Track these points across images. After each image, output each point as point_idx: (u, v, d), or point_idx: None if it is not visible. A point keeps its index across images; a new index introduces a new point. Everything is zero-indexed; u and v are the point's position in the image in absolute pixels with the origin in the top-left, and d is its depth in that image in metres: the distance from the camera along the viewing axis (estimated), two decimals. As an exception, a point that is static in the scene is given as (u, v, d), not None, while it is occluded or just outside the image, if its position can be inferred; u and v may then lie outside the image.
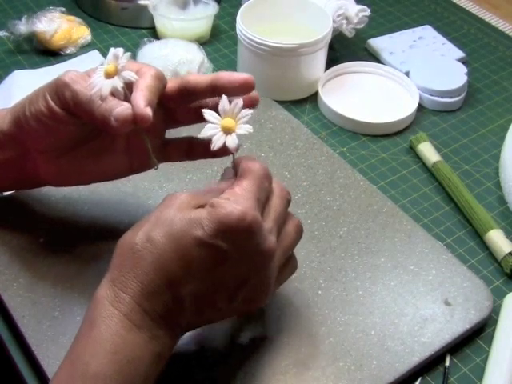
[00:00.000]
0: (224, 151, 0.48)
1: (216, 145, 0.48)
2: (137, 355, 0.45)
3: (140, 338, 0.45)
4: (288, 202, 0.52)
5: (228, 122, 0.48)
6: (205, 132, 0.48)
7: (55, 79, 0.53)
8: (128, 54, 0.50)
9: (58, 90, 0.52)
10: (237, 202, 0.45)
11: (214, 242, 0.45)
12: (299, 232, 0.53)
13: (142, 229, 0.46)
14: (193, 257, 0.45)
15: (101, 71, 0.50)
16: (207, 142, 0.48)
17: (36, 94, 0.54)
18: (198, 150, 0.58)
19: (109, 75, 0.49)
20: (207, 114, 0.48)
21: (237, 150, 0.48)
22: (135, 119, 0.49)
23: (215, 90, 0.53)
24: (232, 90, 0.52)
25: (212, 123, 0.48)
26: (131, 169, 0.59)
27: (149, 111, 0.49)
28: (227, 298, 0.48)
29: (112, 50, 0.50)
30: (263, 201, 0.49)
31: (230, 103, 0.48)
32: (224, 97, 0.48)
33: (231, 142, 0.48)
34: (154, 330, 0.46)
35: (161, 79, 0.53)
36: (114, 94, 0.50)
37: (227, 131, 0.48)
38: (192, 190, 0.49)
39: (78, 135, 0.56)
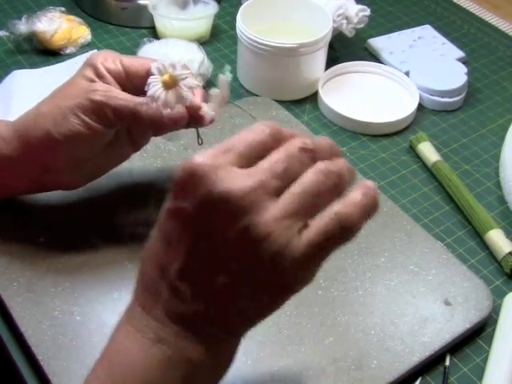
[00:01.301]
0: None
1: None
2: (134, 360, 0.42)
3: (142, 343, 0.42)
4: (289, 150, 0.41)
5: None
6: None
7: (86, 99, 0.54)
8: (183, 63, 0.53)
9: (96, 109, 0.53)
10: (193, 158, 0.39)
11: (175, 205, 0.40)
12: (327, 173, 0.41)
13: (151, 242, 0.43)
14: (168, 231, 0.41)
15: (155, 82, 0.53)
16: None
17: (62, 117, 0.54)
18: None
19: (168, 86, 0.53)
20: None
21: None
22: (191, 118, 0.54)
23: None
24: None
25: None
26: (133, 151, 0.62)
27: (209, 113, 0.55)
28: (222, 272, 0.40)
29: (165, 62, 0.53)
30: (248, 155, 0.40)
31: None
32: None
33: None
34: (158, 332, 0.42)
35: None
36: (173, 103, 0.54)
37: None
38: None
39: (104, 142, 0.57)
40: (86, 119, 0.54)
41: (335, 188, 0.41)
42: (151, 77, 0.53)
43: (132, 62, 0.56)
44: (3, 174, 0.58)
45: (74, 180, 0.60)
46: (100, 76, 0.55)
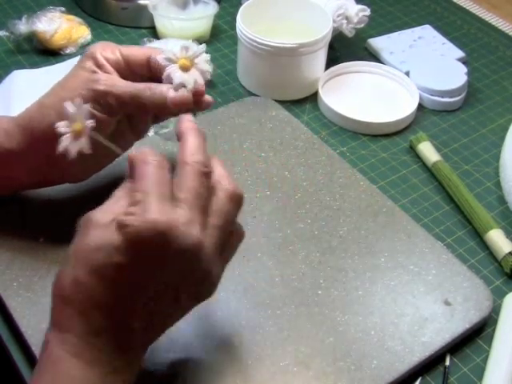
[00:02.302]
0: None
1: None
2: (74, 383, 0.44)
3: (94, 375, 0.44)
4: (207, 174, 0.47)
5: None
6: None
7: (90, 89, 0.54)
8: (202, 46, 0.55)
9: (99, 98, 0.54)
10: (140, 212, 0.42)
11: (135, 262, 0.43)
12: (233, 200, 0.47)
13: (67, 271, 0.45)
14: (121, 280, 0.44)
15: (174, 69, 0.54)
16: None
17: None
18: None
19: (185, 68, 0.54)
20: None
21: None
22: (194, 95, 0.54)
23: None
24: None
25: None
26: (136, 139, 0.62)
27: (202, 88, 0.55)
28: (171, 302, 0.46)
29: (181, 44, 0.54)
30: (166, 192, 0.45)
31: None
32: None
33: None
34: (110, 363, 0.44)
35: None
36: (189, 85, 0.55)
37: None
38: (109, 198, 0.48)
39: (107, 134, 0.57)
40: (91, 110, 0.54)
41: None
42: (168, 67, 0.54)
43: (131, 51, 0.57)
44: (7, 167, 0.58)
45: (78, 172, 0.60)
46: (100, 66, 0.55)
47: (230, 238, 0.48)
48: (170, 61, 0.54)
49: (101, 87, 0.54)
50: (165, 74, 0.54)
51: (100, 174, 0.67)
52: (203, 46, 0.55)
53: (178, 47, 0.54)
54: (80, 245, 0.45)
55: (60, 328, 0.44)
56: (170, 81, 0.54)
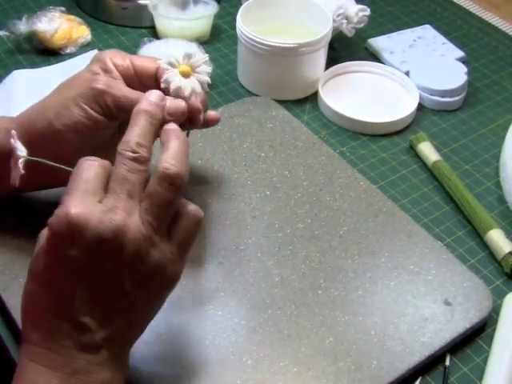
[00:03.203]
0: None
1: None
2: None
3: (57, 378, 0.44)
4: (166, 179, 0.46)
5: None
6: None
7: (88, 87, 0.54)
8: (203, 56, 0.55)
9: (97, 98, 0.53)
10: (58, 212, 0.44)
11: (59, 259, 0.44)
12: (167, 180, 0.46)
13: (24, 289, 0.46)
14: (54, 280, 0.44)
15: (173, 75, 0.54)
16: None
17: (63, 106, 0.54)
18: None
19: (185, 75, 0.54)
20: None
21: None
22: (190, 111, 0.53)
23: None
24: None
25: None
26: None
27: (198, 103, 0.55)
28: (117, 292, 0.45)
29: (184, 50, 0.54)
30: (94, 188, 0.45)
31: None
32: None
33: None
34: (72, 365, 0.45)
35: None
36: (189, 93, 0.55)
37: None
38: None
39: (106, 135, 0.57)
40: (87, 109, 0.54)
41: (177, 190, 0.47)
42: (167, 72, 0.54)
43: (141, 61, 0.57)
44: (6, 166, 0.58)
45: None
46: (107, 70, 0.55)
47: (176, 221, 0.47)
48: (172, 65, 0.54)
49: (99, 86, 0.54)
50: (164, 77, 0.54)
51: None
52: (206, 57, 0.56)
53: (181, 53, 0.54)
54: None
55: (24, 340, 0.46)
56: (168, 85, 0.54)
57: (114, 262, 0.44)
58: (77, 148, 0.56)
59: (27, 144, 0.56)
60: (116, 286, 0.45)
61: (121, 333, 0.47)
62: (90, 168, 0.46)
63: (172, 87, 0.53)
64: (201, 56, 0.55)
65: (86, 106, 0.54)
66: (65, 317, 0.45)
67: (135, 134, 0.47)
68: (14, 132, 0.50)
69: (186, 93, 0.53)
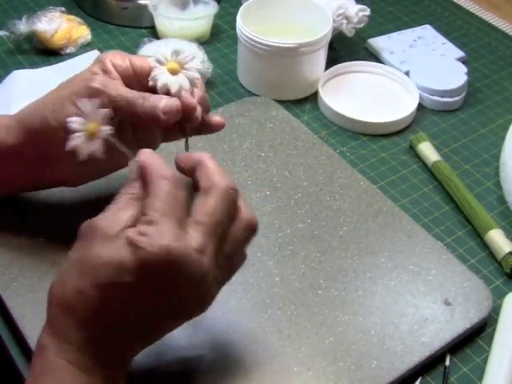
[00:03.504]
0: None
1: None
2: None
3: (91, 382, 0.45)
4: (233, 202, 0.47)
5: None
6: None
7: (83, 86, 0.54)
8: (192, 52, 0.53)
9: (93, 96, 0.52)
10: (154, 237, 0.42)
11: (143, 284, 0.43)
12: (251, 232, 0.48)
13: (70, 282, 0.44)
14: (125, 298, 0.44)
15: (161, 72, 0.53)
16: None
17: (60, 103, 0.54)
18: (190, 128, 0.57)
19: (173, 72, 0.53)
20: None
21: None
22: (184, 109, 0.52)
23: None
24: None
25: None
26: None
27: (194, 100, 0.53)
28: (167, 319, 0.47)
29: (172, 47, 0.53)
30: (182, 215, 0.45)
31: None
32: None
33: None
34: (108, 371, 0.45)
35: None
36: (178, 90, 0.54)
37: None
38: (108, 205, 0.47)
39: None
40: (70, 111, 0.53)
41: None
42: (154, 69, 0.53)
43: (141, 61, 0.56)
44: (8, 164, 0.58)
45: (74, 176, 0.60)
46: (106, 71, 0.55)
47: (232, 262, 0.49)
48: (160, 63, 0.54)
49: (95, 84, 0.53)
50: (151, 74, 0.54)
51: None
52: (191, 54, 0.54)
53: (169, 50, 0.54)
54: (86, 255, 0.44)
55: (60, 337, 0.45)
56: (155, 82, 0.53)
57: (184, 297, 0.45)
58: (59, 159, 0.56)
59: (21, 138, 0.56)
60: (169, 315, 0.46)
61: (144, 347, 0.48)
62: (177, 189, 0.45)
63: (159, 85, 0.53)
64: (189, 52, 0.54)
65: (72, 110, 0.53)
66: (116, 330, 0.45)
67: (227, 174, 0.47)
68: (97, 99, 0.49)
69: (173, 90, 0.53)
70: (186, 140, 0.56)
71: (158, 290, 0.44)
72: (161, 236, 0.42)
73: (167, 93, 0.53)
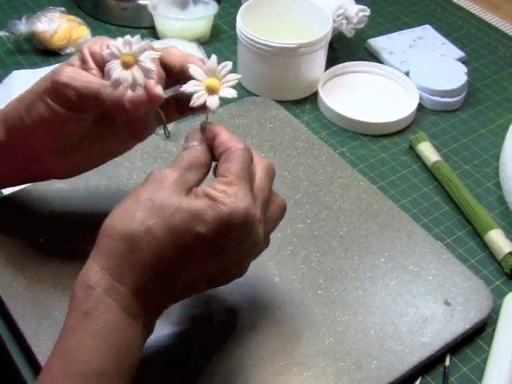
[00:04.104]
0: (203, 109, 0.49)
1: (196, 102, 0.48)
2: (135, 346, 0.45)
3: (137, 330, 0.45)
4: (273, 179, 0.51)
5: (212, 81, 0.48)
6: (187, 86, 0.48)
7: (51, 81, 0.52)
8: (138, 37, 0.49)
9: (59, 91, 0.52)
10: (236, 197, 0.45)
11: (215, 239, 0.45)
12: (282, 214, 0.52)
13: (138, 216, 0.45)
14: (192, 251, 0.45)
15: (115, 66, 0.49)
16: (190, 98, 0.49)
17: (31, 101, 0.54)
18: (186, 105, 0.55)
19: (129, 65, 0.49)
20: (193, 69, 0.49)
21: (214, 112, 0.49)
22: (149, 100, 0.50)
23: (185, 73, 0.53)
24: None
25: (196, 80, 0.49)
26: (133, 142, 0.59)
27: (160, 90, 0.50)
28: (209, 282, 0.50)
29: (122, 39, 0.49)
30: (252, 186, 0.48)
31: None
32: (213, 56, 0.49)
33: (212, 102, 0.48)
34: (146, 318, 0.46)
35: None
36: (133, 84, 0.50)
37: (210, 91, 0.48)
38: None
39: (83, 128, 0.56)
40: (50, 103, 0.52)
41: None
42: (108, 63, 0.50)
43: None
44: None
45: (63, 169, 0.59)
46: (84, 61, 0.53)
47: (265, 239, 0.51)
48: (114, 56, 0.50)
49: (61, 78, 0.52)
50: (105, 69, 0.50)
51: (100, 176, 0.67)
52: (146, 43, 0.50)
53: (121, 41, 0.50)
54: (161, 198, 0.45)
55: (114, 275, 0.44)
56: (108, 78, 0.50)
57: (238, 256, 0.49)
58: (49, 142, 0.55)
59: (4, 136, 0.56)
60: (222, 270, 0.49)
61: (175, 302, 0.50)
62: (250, 158, 0.49)
63: (111, 80, 0.50)
64: (143, 43, 0.50)
65: (49, 101, 0.52)
66: (170, 280, 0.46)
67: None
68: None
69: (125, 84, 0.49)
70: (164, 126, 0.56)
71: (223, 246, 0.46)
72: (241, 198, 0.46)
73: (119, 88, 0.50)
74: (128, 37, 0.49)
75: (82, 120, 0.55)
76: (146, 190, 0.46)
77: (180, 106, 0.56)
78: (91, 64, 0.53)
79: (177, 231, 0.44)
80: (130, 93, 0.50)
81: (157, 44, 0.86)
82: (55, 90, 0.52)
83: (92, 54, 0.53)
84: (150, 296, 0.46)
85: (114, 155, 0.60)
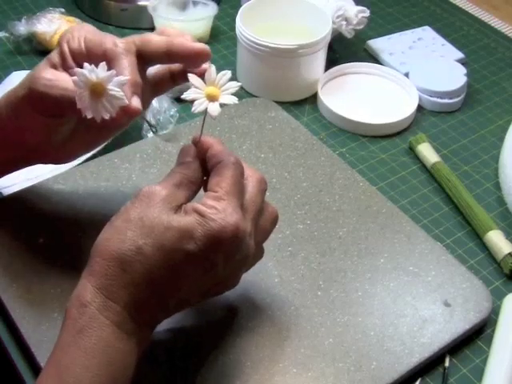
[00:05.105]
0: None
1: (198, 109, 0.48)
2: (128, 362, 0.45)
3: (130, 346, 0.45)
4: (265, 192, 0.51)
5: (212, 90, 0.49)
6: (188, 94, 0.48)
7: (28, 88, 0.52)
8: (103, 65, 0.46)
9: (36, 101, 0.51)
10: (225, 212, 0.45)
11: (205, 255, 0.45)
12: (274, 223, 0.53)
13: (128, 235, 0.45)
14: (184, 268, 0.45)
15: (83, 95, 0.47)
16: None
17: (15, 105, 0.53)
18: (178, 74, 0.56)
19: (98, 94, 0.47)
20: (192, 78, 0.49)
21: (215, 118, 0.49)
22: (127, 114, 0.49)
23: (171, 57, 0.53)
24: (187, 59, 0.53)
25: (196, 88, 0.49)
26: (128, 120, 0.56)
27: (137, 103, 0.49)
28: (202, 295, 0.50)
29: (87, 65, 0.46)
30: (242, 200, 0.48)
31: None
32: (212, 66, 0.49)
33: (213, 109, 0.48)
34: (140, 334, 0.46)
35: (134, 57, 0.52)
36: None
37: (211, 99, 0.49)
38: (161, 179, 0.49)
39: (72, 123, 0.55)
40: (31, 112, 0.52)
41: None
42: (77, 91, 0.47)
43: (94, 41, 0.52)
44: None
45: (58, 155, 0.59)
46: (63, 58, 0.52)
47: (258, 250, 0.51)
48: (85, 84, 0.47)
49: (38, 88, 0.51)
50: (76, 98, 0.47)
51: (100, 177, 0.67)
52: (112, 71, 0.47)
53: (89, 67, 0.46)
54: (150, 217, 0.45)
55: (107, 294, 0.45)
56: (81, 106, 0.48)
57: (231, 269, 0.49)
58: (37, 139, 0.55)
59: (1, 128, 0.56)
60: (215, 284, 0.49)
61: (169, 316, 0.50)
62: (240, 173, 0.49)
63: (83, 113, 0.48)
64: (108, 72, 0.47)
65: (29, 110, 0.52)
66: (162, 295, 0.46)
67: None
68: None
69: (98, 116, 0.48)
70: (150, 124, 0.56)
71: (214, 262, 0.46)
72: (231, 213, 0.46)
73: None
74: (92, 66, 0.46)
75: (67, 122, 0.55)
76: (135, 207, 0.46)
77: (173, 75, 0.56)
78: (71, 63, 0.52)
79: (167, 250, 0.45)
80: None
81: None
82: (33, 100, 0.52)
83: (71, 51, 0.52)
84: (144, 312, 0.46)
85: (107, 138, 0.60)
